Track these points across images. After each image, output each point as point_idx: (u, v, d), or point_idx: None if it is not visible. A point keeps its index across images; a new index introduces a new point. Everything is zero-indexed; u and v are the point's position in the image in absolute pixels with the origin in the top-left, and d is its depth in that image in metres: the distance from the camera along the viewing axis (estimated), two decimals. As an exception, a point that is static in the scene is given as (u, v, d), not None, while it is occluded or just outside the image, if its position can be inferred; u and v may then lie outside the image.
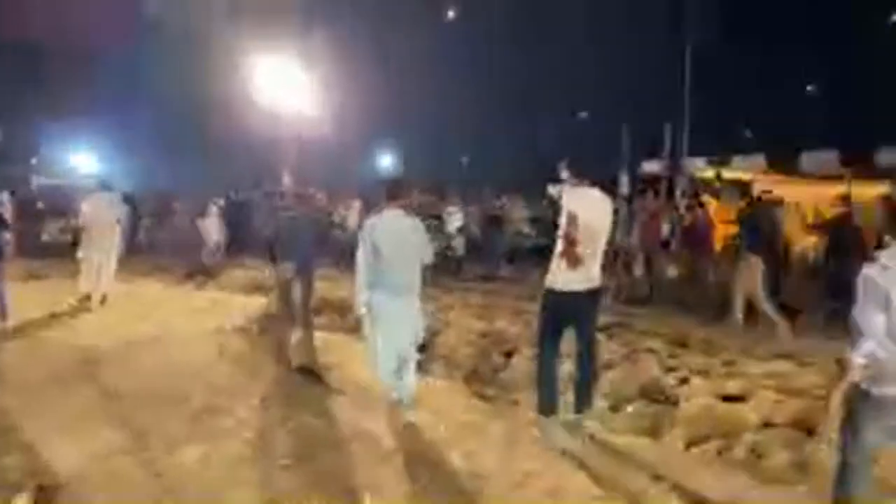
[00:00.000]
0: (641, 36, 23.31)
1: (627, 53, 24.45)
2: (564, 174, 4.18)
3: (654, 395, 4.68)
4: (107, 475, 3.48)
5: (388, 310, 4.24)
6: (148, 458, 3.72)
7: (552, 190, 4.36)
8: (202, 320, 7.51)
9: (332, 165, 23.06)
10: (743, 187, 18.96)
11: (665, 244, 8.80)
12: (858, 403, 2.69)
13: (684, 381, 4.92)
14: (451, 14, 23.72)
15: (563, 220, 3.97)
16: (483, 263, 12.17)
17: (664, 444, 3.98)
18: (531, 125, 28.57)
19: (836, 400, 3.16)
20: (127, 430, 4.09)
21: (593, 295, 4.11)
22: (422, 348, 5.81)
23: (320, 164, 20.94)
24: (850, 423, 2.73)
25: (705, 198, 13.88)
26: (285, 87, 14.73)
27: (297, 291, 6.14)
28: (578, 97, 29.34)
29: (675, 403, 4.51)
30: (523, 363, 5.42)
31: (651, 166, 16.33)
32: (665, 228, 8.98)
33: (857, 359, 2.62)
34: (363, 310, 4.29)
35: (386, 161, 33.10)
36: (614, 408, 4.52)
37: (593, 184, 4.17)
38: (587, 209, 4.00)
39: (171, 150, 26.37)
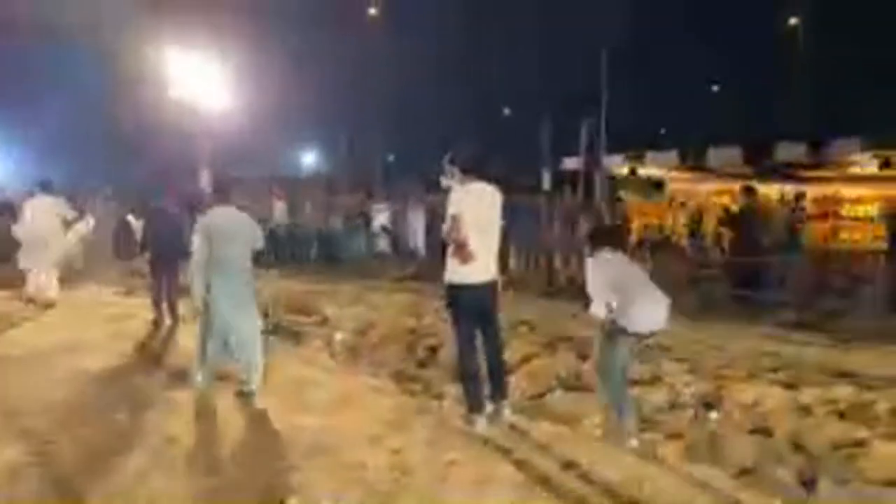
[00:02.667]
0: (562, 35, 23.96)
1: (549, 52, 25.09)
2: (451, 170, 4.16)
3: (572, 383, 4.87)
4: (10, 492, 3.31)
5: (226, 296, 4.70)
6: (56, 473, 3.56)
7: (445, 183, 4.45)
8: (117, 327, 7.24)
9: (252, 163, 22.51)
10: (656, 183, 19.87)
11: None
12: (615, 334, 3.92)
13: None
14: (372, 11, 23.57)
15: (446, 223, 4.01)
16: (410, 261, 12.22)
17: (581, 430, 4.14)
18: (455, 121, 28.83)
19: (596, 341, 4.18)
20: (35, 444, 3.89)
21: (491, 287, 4.17)
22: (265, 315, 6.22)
23: (240, 162, 20.40)
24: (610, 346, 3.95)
25: (622, 193, 14.50)
26: (201, 82, 14.25)
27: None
28: (502, 94, 29.87)
29: (592, 391, 4.70)
30: (447, 357, 5.50)
31: (571, 163, 16.82)
32: (582, 224, 9.35)
33: (601, 313, 3.95)
34: (199, 300, 4.72)
35: (309, 158, 32.57)
36: (535, 397, 4.68)
37: (480, 176, 4.16)
38: (474, 205, 4.02)
39: (77, 150, 24.87)
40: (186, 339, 6.55)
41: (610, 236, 4.36)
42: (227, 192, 5.06)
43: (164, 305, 7.31)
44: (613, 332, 3.94)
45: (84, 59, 20.51)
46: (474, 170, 4.15)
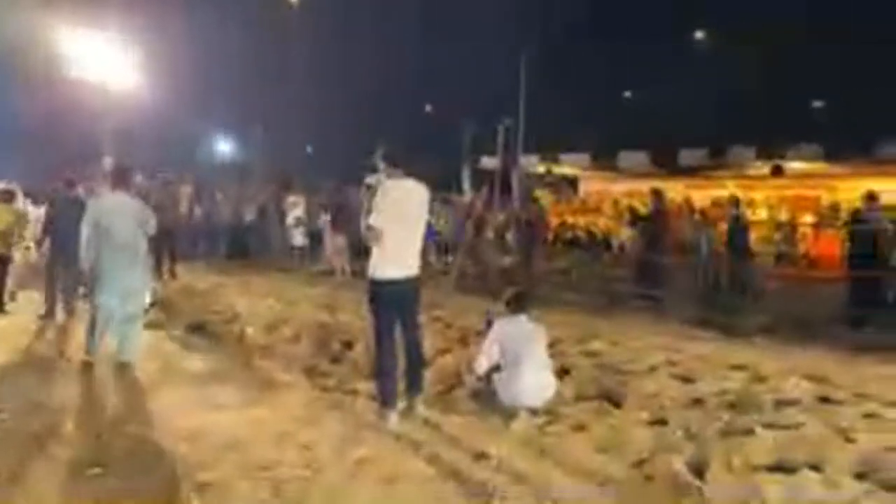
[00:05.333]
0: (486, 37, 24.25)
1: (473, 52, 25.35)
2: (381, 165, 4.19)
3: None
4: None
5: (114, 277, 5.05)
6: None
7: (370, 180, 4.52)
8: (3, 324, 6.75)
9: (165, 150, 21.51)
10: (572, 182, 20.54)
11: (501, 236, 9.40)
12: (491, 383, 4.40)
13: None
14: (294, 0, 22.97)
15: (374, 216, 4.01)
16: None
17: (492, 423, 4.23)
18: (377, 116, 28.59)
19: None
20: None
21: (413, 282, 4.20)
22: (152, 304, 6.74)
23: (151, 149, 19.45)
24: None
25: (538, 192, 14.91)
26: (107, 64, 13.52)
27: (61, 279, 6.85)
28: (425, 91, 29.91)
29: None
30: (362, 353, 5.47)
31: (491, 162, 17.14)
32: (497, 221, 9.63)
33: (481, 368, 4.44)
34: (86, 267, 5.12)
35: (224, 147, 31.42)
36: (447, 391, 4.73)
37: (408, 173, 4.19)
38: (401, 200, 4.07)
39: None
40: (79, 333, 6.19)
41: (526, 301, 4.64)
42: (122, 180, 5.34)
43: (59, 298, 6.85)
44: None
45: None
46: (402, 165, 4.17)
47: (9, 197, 7.31)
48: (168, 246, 9.91)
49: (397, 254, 4.07)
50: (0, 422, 4.04)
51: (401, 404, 4.21)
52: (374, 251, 4.11)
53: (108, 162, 12.25)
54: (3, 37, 16.29)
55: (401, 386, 4.26)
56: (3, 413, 4.15)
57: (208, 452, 3.67)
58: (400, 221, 4.04)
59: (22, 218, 7.39)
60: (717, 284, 9.49)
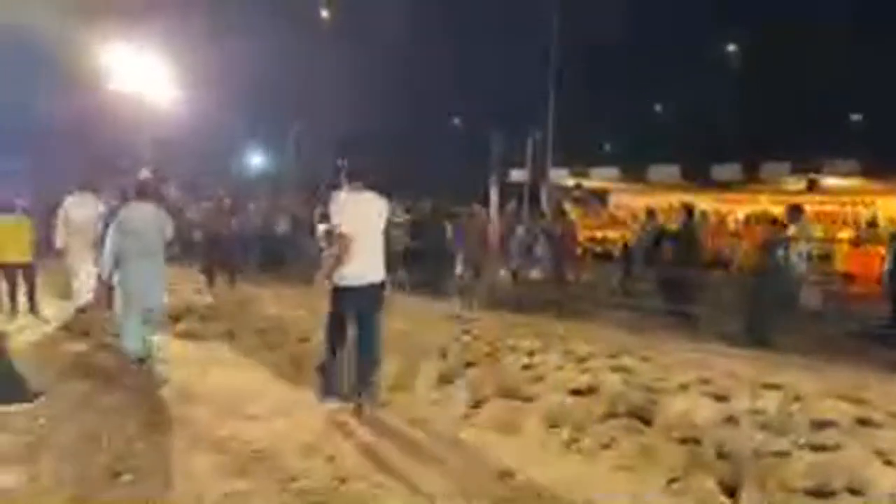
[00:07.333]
0: (515, 49, 24.31)
1: (502, 65, 25.44)
2: (344, 182, 4.58)
3: (512, 391, 4.92)
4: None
5: (138, 276, 5.39)
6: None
7: (336, 195, 5.12)
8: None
9: (199, 162, 21.96)
10: (601, 196, 20.38)
11: (528, 250, 9.38)
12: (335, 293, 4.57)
13: (540, 378, 5.21)
14: (324, 14, 23.33)
15: (337, 223, 4.38)
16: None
17: (521, 437, 4.19)
18: (408, 128, 28.81)
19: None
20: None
21: (373, 288, 4.55)
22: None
23: (188, 161, 19.87)
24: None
25: (567, 206, 14.85)
26: (145, 77, 13.89)
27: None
28: (454, 103, 30.07)
29: (531, 399, 4.77)
30: (389, 367, 5.47)
31: (518, 175, 17.12)
32: (519, 234, 9.67)
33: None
34: (111, 278, 5.45)
35: (256, 160, 31.97)
36: (474, 405, 4.71)
37: (369, 187, 4.58)
38: (356, 212, 4.45)
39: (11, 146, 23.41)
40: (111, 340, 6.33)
41: (363, 173, 4.70)
42: (146, 192, 5.84)
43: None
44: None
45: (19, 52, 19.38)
46: (360, 179, 4.55)
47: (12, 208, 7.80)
48: (218, 257, 10.22)
49: (356, 262, 4.38)
50: (39, 427, 4.15)
51: (354, 400, 4.55)
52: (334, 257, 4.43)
53: (144, 174, 12.53)
54: (45, 38, 16.80)
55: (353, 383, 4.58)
56: (41, 419, 4.26)
57: (237, 461, 3.71)
58: (356, 232, 4.36)
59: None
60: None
